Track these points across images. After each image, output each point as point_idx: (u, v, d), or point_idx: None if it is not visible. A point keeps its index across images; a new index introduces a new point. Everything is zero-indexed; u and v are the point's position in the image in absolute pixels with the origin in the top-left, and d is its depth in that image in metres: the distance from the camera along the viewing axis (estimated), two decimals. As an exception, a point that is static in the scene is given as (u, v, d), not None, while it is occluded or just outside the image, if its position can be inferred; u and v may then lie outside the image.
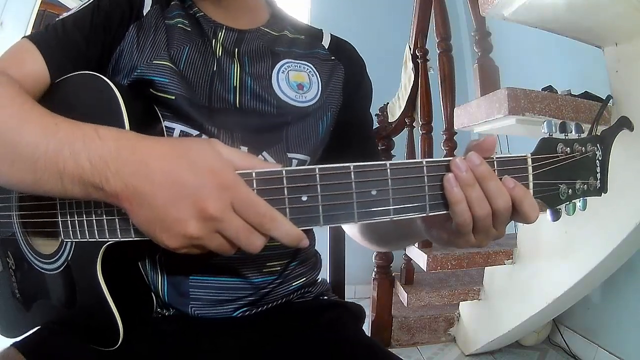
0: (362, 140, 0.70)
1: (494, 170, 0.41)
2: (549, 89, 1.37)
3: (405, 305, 1.83)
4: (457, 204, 0.40)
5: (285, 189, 0.39)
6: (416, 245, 1.68)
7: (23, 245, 0.57)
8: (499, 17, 1.21)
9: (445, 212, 0.41)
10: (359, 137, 0.69)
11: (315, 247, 0.72)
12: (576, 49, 1.42)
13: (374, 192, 0.39)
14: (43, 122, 0.41)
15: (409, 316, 1.94)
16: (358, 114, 0.70)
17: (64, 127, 0.40)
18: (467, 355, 1.84)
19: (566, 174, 0.44)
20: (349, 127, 0.67)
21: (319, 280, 0.71)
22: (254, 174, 0.39)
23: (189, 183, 0.37)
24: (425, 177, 0.40)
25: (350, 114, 0.67)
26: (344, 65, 0.67)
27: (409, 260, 1.87)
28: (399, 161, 0.40)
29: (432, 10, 1.88)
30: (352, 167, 0.39)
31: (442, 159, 0.41)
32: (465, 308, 1.93)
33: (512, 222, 0.43)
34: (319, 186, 0.39)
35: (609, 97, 0.53)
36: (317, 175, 0.39)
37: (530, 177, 0.43)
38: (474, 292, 1.81)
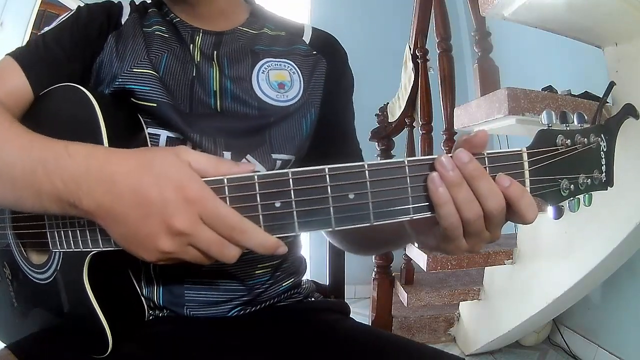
0: (340, 135, 0.68)
1: (485, 167, 0.38)
2: (549, 89, 1.37)
3: (405, 305, 1.82)
4: (442, 206, 0.37)
5: (258, 195, 0.37)
6: (416, 245, 1.68)
7: (18, 256, 0.57)
8: (499, 17, 1.21)
9: (430, 214, 0.38)
10: (338, 131, 0.67)
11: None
12: (576, 49, 1.42)
13: (351, 196, 0.37)
14: (19, 142, 0.41)
15: (409, 316, 1.94)
16: (338, 107, 0.68)
17: (38, 146, 0.40)
18: (467, 355, 1.84)
19: (567, 168, 0.40)
20: (328, 121, 0.65)
21: (304, 282, 0.71)
22: (225, 180, 0.38)
23: (155, 200, 0.36)
24: (408, 177, 0.38)
25: (330, 107, 0.65)
26: (326, 59, 0.66)
27: (409, 260, 1.87)
28: (378, 161, 0.38)
29: (432, 10, 1.87)
30: (327, 170, 0.37)
31: (426, 157, 0.38)
32: (465, 308, 1.93)
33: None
34: (292, 191, 0.37)
35: (612, 84, 0.51)
36: (290, 180, 0.37)
37: (527, 174, 0.39)
38: (474, 292, 1.81)
